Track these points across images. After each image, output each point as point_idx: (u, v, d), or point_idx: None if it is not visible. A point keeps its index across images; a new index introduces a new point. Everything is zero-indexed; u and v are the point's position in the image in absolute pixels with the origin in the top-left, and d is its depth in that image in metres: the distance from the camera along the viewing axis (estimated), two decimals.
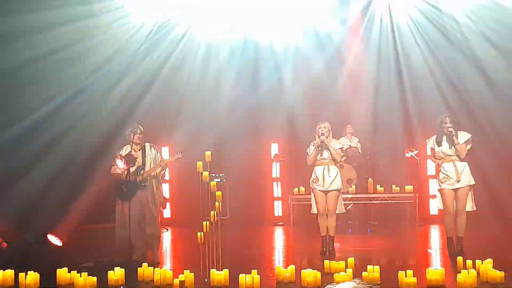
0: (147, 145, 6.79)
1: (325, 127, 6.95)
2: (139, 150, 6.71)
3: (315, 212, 7.11)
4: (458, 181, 6.52)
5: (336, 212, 7.09)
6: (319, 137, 6.97)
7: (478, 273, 5.19)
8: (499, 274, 5.12)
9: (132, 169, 6.47)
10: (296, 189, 10.45)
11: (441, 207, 6.78)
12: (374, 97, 11.05)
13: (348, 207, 10.19)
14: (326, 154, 6.96)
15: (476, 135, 6.65)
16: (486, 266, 5.30)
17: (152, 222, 6.61)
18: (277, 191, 10.92)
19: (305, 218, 9.76)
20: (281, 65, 11.25)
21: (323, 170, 6.94)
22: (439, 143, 6.67)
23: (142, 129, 6.74)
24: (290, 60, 11.27)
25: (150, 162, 6.67)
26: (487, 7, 9.99)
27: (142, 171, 6.55)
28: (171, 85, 11.14)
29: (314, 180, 6.99)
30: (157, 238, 6.73)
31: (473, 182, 6.58)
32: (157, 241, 6.74)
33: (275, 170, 11.00)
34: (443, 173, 6.61)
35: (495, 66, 10.25)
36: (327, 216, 6.98)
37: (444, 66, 10.78)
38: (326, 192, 6.95)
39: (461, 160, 6.59)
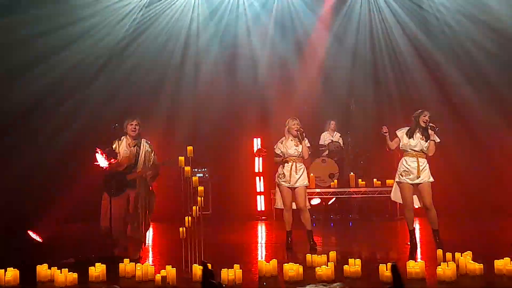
0: (143, 141, 6.66)
1: (298, 124, 7.03)
2: (134, 146, 6.59)
3: (280, 206, 7.19)
4: (418, 177, 6.63)
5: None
6: (290, 133, 7.01)
7: (457, 266, 5.27)
8: (478, 267, 5.20)
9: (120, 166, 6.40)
10: None
11: (396, 199, 6.95)
12: (353, 92, 11.16)
13: (313, 202, 10.28)
14: (293, 151, 6.99)
15: (451, 131, 6.71)
16: (466, 259, 5.38)
17: (136, 225, 6.52)
18: (259, 185, 10.93)
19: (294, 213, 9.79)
20: (262, 60, 11.30)
21: (291, 166, 6.98)
22: (410, 136, 6.71)
23: (139, 122, 6.61)
24: (270, 55, 11.33)
25: (143, 161, 6.56)
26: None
27: (133, 170, 6.46)
28: (152, 79, 11.10)
29: (281, 176, 7.05)
30: (139, 236, 6.65)
31: (432, 179, 6.71)
32: (140, 238, 6.67)
33: (258, 164, 11.00)
34: (405, 166, 6.70)
35: (477, 64, 10.44)
36: (300, 212, 7.04)
37: (424, 60, 10.93)
38: (292, 188, 6.98)
39: (424, 157, 6.67)
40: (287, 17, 11.31)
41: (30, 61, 9.44)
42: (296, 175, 6.99)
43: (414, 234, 6.82)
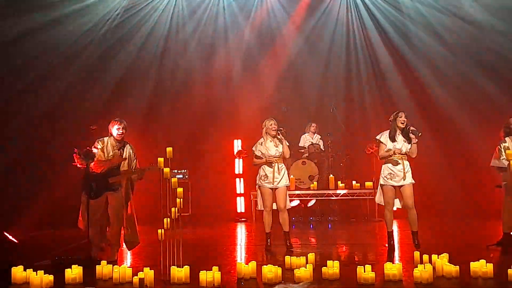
0: (128, 146, 6.56)
1: (275, 124, 7.04)
2: (119, 148, 6.48)
3: (261, 208, 7.16)
4: (403, 179, 6.65)
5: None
6: (268, 134, 7.03)
7: (434, 268, 5.33)
8: (454, 269, 5.26)
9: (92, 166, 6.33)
10: None
11: (379, 202, 6.98)
12: (335, 95, 11.25)
13: (293, 204, 10.31)
14: (274, 151, 7.00)
15: (429, 134, 6.79)
16: (442, 261, 5.44)
17: (131, 229, 6.45)
18: (239, 187, 10.92)
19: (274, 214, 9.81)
20: (243, 61, 11.33)
21: (273, 168, 6.97)
22: (392, 139, 6.72)
23: (125, 125, 6.50)
24: (252, 56, 11.36)
25: (126, 165, 6.47)
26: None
27: (115, 173, 6.37)
28: (131, 80, 11.06)
29: (263, 178, 7.03)
30: (117, 237, 6.57)
31: (413, 181, 6.74)
32: (118, 239, 6.59)
33: (238, 166, 10.99)
34: (390, 169, 6.70)
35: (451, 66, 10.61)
36: (279, 213, 7.03)
37: (403, 64, 11.08)
38: (274, 189, 7.00)
39: (407, 159, 6.72)
40: (266, 23, 11.37)
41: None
42: (279, 176, 6.99)
43: (393, 236, 6.89)
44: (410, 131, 6.63)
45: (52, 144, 9.78)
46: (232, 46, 11.39)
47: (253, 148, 7.20)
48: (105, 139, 6.48)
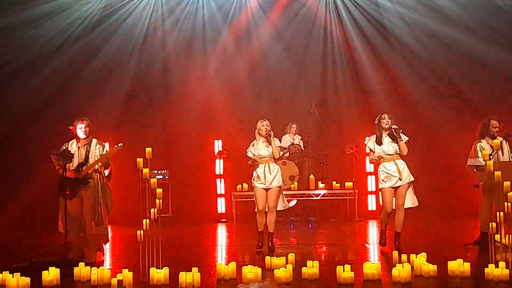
0: (94, 141, 6.53)
1: (267, 125, 7.03)
2: (84, 145, 6.46)
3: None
4: (400, 179, 6.64)
5: (280, 209, 7.16)
6: (260, 134, 7.03)
7: (412, 267, 5.38)
8: (432, 268, 5.31)
9: (71, 166, 6.26)
10: (239, 186, 10.49)
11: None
12: (315, 96, 11.30)
13: (292, 204, 10.34)
14: (264, 151, 7.01)
15: (408, 134, 6.85)
16: (420, 260, 5.49)
17: (99, 221, 6.38)
18: (220, 187, 10.90)
19: (248, 215, 9.82)
20: (224, 62, 11.33)
21: (264, 168, 6.98)
22: (379, 142, 6.75)
23: (89, 123, 6.48)
24: (233, 56, 11.36)
25: (94, 159, 6.44)
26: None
27: (84, 167, 6.34)
28: (112, 79, 10.97)
29: (256, 178, 7.02)
30: (97, 238, 6.50)
31: (412, 178, 6.72)
32: (96, 239, 6.52)
33: (219, 166, 10.97)
34: (385, 172, 6.68)
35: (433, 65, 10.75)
36: (268, 213, 7.03)
37: (381, 64, 11.19)
38: (267, 189, 7.00)
39: (400, 158, 6.76)
40: (244, 22, 11.42)
41: None
42: (271, 176, 6.96)
43: (385, 234, 6.87)
44: (393, 129, 6.68)
45: (28, 144, 9.66)
46: (210, 45, 11.38)
47: (247, 151, 7.18)
48: (69, 142, 6.45)
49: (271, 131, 6.99)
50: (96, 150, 6.47)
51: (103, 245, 6.73)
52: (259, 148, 7.03)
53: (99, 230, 6.41)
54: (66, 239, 6.05)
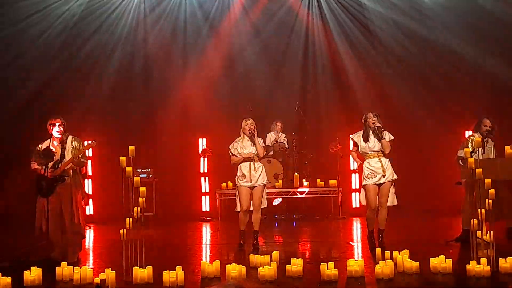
0: (70, 138, 6.48)
1: (252, 123, 7.03)
2: (60, 143, 6.40)
3: (240, 209, 7.15)
4: (383, 176, 6.69)
5: (262, 206, 7.17)
6: (244, 133, 7.03)
7: (395, 264, 5.42)
8: (414, 264, 5.37)
9: (50, 165, 6.20)
10: (223, 184, 10.45)
11: (363, 202, 6.96)
12: (299, 94, 11.33)
13: (276, 202, 10.36)
14: (250, 150, 7.01)
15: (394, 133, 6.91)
16: (403, 257, 5.54)
17: (72, 219, 6.32)
18: (204, 186, 10.87)
19: (232, 213, 9.80)
20: (207, 60, 11.31)
21: (249, 166, 6.99)
22: (365, 139, 6.80)
23: (62, 122, 6.44)
24: (219, 55, 11.35)
25: (71, 155, 6.38)
26: None
27: (60, 164, 6.28)
28: (97, 80, 10.91)
29: (240, 177, 7.02)
30: (76, 236, 6.43)
31: (396, 176, 6.77)
32: (77, 238, 6.45)
33: (203, 165, 10.94)
34: (369, 168, 6.72)
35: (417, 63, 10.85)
36: (252, 211, 7.04)
37: (367, 62, 11.27)
38: (252, 187, 7.00)
39: (384, 156, 6.81)
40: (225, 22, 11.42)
41: None
42: (256, 174, 6.97)
43: (373, 235, 6.88)
44: (376, 128, 6.73)
45: (9, 143, 9.54)
46: (192, 43, 11.36)
47: (230, 147, 7.16)
48: (48, 140, 6.39)
49: (255, 130, 7.00)
50: (72, 146, 6.41)
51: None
52: (244, 146, 7.04)
53: (74, 228, 6.33)
54: (48, 238, 6.00)
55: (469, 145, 7.00)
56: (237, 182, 7.07)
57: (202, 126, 10.96)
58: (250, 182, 6.97)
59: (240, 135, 7.14)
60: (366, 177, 6.76)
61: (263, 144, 7.18)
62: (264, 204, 7.21)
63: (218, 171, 10.71)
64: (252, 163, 7.00)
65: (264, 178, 7.06)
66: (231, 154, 7.14)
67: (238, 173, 7.05)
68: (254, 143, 7.00)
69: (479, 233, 5.60)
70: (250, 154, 7.01)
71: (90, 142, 6.45)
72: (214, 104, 11.08)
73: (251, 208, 7.11)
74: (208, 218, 10.48)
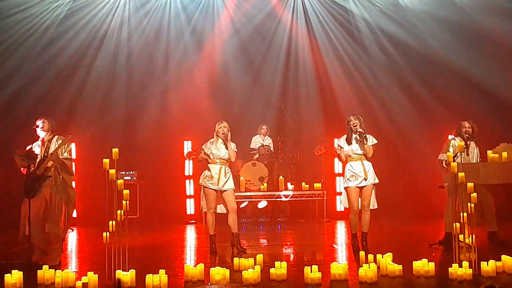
0: (55, 137, 6.41)
1: (225, 127, 7.03)
2: (45, 143, 6.34)
3: (206, 210, 7.14)
4: (365, 179, 6.74)
5: (225, 211, 7.16)
6: (218, 136, 7.04)
7: (378, 267, 5.45)
8: (397, 268, 5.40)
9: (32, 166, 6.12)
10: None
11: (346, 205, 7.00)
12: (285, 97, 11.37)
13: (262, 205, 10.36)
14: (224, 153, 7.01)
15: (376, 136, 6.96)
16: (386, 260, 5.57)
17: (54, 220, 6.23)
18: (189, 188, 10.83)
19: (217, 216, 9.77)
20: (194, 62, 11.29)
21: (219, 169, 6.98)
22: (349, 142, 6.84)
23: (48, 123, 6.38)
24: (201, 57, 11.34)
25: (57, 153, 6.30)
26: None
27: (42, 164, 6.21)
28: (81, 81, 10.82)
29: (208, 178, 6.99)
30: (57, 238, 6.34)
31: (377, 180, 6.84)
32: (58, 241, 6.36)
33: (188, 167, 10.91)
34: (351, 171, 6.78)
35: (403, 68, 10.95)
36: (228, 215, 7.04)
37: (352, 67, 11.34)
38: (219, 191, 7.00)
39: (367, 159, 6.86)
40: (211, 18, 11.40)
41: None
42: (225, 178, 6.98)
43: (357, 238, 6.90)
44: (358, 134, 6.78)
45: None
46: (179, 45, 11.35)
47: (203, 146, 7.15)
48: (34, 143, 6.36)
49: (228, 134, 6.98)
50: (55, 145, 6.34)
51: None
52: (218, 149, 7.03)
53: (53, 229, 6.22)
54: (29, 241, 5.92)
55: (450, 149, 7.09)
56: (203, 182, 7.05)
57: (187, 129, 10.91)
58: (217, 185, 6.97)
59: (213, 136, 7.13)
60: (348, 179, 6.82)
61: (236, 150, 7.16)
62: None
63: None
64: (223, 166, 7.01)
65: (231, 183, 7.07)
66: (203, 152, 7.11)
67: (206, 173, 7.03)
68: (226, 147, 7.00)
69: (461, 237, 5.65)
70: (218, 161, 6.99)
71: (64, 138, 6.37)
72: (199, 107, 11.06)
73: (219, 211, 7.11)
74: (192, 221, 10.45)
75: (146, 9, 11.29)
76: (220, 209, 7.15)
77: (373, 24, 11.20)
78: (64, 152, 6.35)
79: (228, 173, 7.05)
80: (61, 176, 6.33)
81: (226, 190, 6.99)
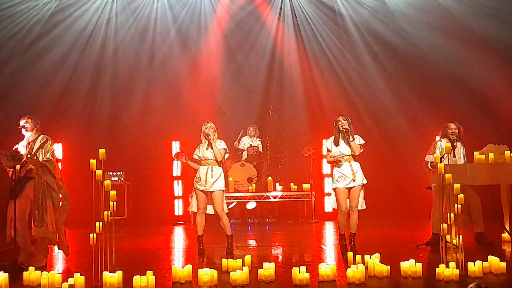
0: (40, 138, 6.32)
1: (211, 127, 7.02)
2: (30, 143, 6.26)
3: (193, 210, 7.14)
4: (353, 180, 6.76)
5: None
6: (204, 136, 7.02)
7: (366, 268, 5.46)
8: (385, 268, 5.41)
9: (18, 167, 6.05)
10: None
11: (334, 206, 7.02)
12: (273, 98, 11.37)
13: (251, 206, 10.35)
14: (209, 154, 6.99)
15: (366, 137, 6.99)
16: (374, 261, 5.58)
17: (39, 223, 6.15)
18: (177, 189, 10.80)
19: (207, 217, 9.76)
20: (181, 62, 11.26)
21: (207, 170, 6.96)
22: (336, 143, 6.86)
23: (32, 122, 6.29)
24: (192, 58, 11.32)
25: (38, 154, 6.22)
26: None
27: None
28: (69, 79, 10.75)
29: (197, 180, 7.01)
30: (43, 240, 6.27)
31: (365, 181, 6.86)
32: (44, 242, 6.29)
33: (176, 168, 10.87)
34: (339, 172, 6.80)
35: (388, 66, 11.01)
36: (219, 217, 7.02)
37: (339, 69, 11.38)
38: (208, 192, 6.98)
39: (355, 159, 6.87)
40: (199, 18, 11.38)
41: None
42: (212, 179, 6.95)
43: (345, 238, 6.91)
44: (344, 131, 6.79)
45: None
46: (165, 45, 11.31)
47: (193, 154, 7.16)
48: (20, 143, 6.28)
49: (212, 134, 6.96)
50: (39, 144, 6.25)
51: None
52: (204, 150, 7.02)
53: (39, 232, 6.15)
54: (15, 243, 5.86)
55: (437, 150, 7.13)
56: (194, 184, 7.08)
57: (175, 129, 10.89)
58: (205, 186, 6.95)
59: (200, 139, 7.13)
60: (336, 180, 6.84)
61: (225, 147, 7.12)
62: (225, 209, 7.17)
63: (191, 174, 10.60)
64: (210, 167, 6.98)
65: (221, 184, 7.02)
66: (193, 159, 7.14)
67: (196, 175, 7.06)
68: (211, 147, 6.98)
69: (448, 237, 5.68)
70: (205, 163, 6.98)
71: (46, 139, 6.28)
72: (188, 107, 11.03)
73: (208, 212, 7.10)
74: (180, 222, 10.42)
75: (132, 8, 11.24)
76: (209, 210, 7.13)
77: (360, 25, 11.24)
78: (47, 153, 6.26)
79: (216, 174, 6.99)
80: (43, 179, 6.24)
81: (214, 191, 6.97)
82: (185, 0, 11.39)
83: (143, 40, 11.25)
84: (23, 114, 6.46)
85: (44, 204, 6.14)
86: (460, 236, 5.47)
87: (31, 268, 5.38)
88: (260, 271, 5.38)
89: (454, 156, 7.18)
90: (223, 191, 7.06)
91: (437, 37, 10.72)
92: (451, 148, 7.06)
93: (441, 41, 10.68)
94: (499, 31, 10.16)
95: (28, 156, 6.15)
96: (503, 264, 5.40)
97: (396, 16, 10.99)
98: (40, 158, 6.20)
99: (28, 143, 6.27)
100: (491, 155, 6.79)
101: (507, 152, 6.85)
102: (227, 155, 7.23)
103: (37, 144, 6.27)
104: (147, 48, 11.25)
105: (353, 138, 6.78)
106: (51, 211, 6.20)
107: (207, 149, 7.02)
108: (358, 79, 11.27)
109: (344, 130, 6.78)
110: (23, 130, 6.28)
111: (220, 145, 7.05)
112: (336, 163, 6.87)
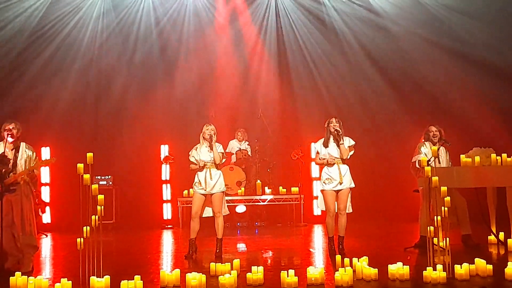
0: (23, 145, 6.26)
1: (212, 129, 7.00)
2: (12, 150, 6.19)
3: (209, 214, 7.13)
4: (341, 183, 6.78)
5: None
6: (204, 138, 7.00)
7: (354, 271, 5.48)
8: (373, 271, 5.43)
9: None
10: (185, 192, 10.38)
11: (322, 207, 7.04)
12: (262, 101, 11.39)
13: (241, 210, 10.34)
14: (207, 156, 6.98)
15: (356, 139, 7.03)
16: (362, 264, 5.60)
17: (25, 231, 6.10)
18: (166, 193, 10.76)
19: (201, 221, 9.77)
20: (171, 65, 11.25)
21: (205, 173, 6.95)
22: (325, 144, 6.88)
23: (17, 126, 6.23)
24: (180, 61, 11.30)
25: (24, 164, 6.17)
26: None
27: (11, 174, 6.05)
28: (56, 83, 10.70)
29: (196, 184, 7.00)
30: (30, 247, 6.22)
31: (353, 184, 6.89)
32: (31, 249, 6.24)
33: (165, 172, 10.84)
34: (327, 174, 6.83)
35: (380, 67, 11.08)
36: (215, 218, 7.01)
37: (330, 70, 11.43)
38: (208, 194, 6.97)
39: (343, 162, 6.90)
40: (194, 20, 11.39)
41: None
42: (212, 181, 6.92)
43: (333, 241, 6.93)
44: (335, 133, 6.82)
45: None
46: (156, 48, 11.29)
47: (189, 153, 7.11)
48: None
49: (214, 136, 6.96)
50: (25, 155, 6.21)
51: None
52: (201, 153, 7.00)
53: (24, 238, 6.10)
54: (2, 248, 5.80)
55: (422, 149, 7.18)
56: (193, 188, 7.05)
57: (163, 133, 10.87)
58: (205, 190, 6.95)
59: (199, 141, 7.09)
60: (323, 182, 6.86)
61: (222, 151, 7.13)
62: (226, 212, 7.17)
63: (179, 178, 10.62)
64: (208, 170, 6.97)
65: (221, 186, 7.02)
66: (190, 161, 7.10)
67: (195, 180, 7.03)
68: (211, 149, 6.97)
69: (435, 240, 5.72)
70: (204, 166, 6.97)
71: (49, 158, 6.25)
72: (176, 111, 11.02)
73: (206, 214, 7.08)
74: (169, 226, 10.38)
75: (120, 8, 11.23)
76: (208, 212, 7.10)
77: (346, 27, 11.30)
78: (35, 168, 6.22)
79: (215, 176, 6.96)
80: (29, 186, 6.20)
81: (214, 193, 6.95)
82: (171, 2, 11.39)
83: (130, 44, 11.20)
84: (7, 118, 6.39)
85: (27, 210, 6.09)
86: (447, 238, 5.51)
87: (18, 273, 5.33)
88: (248, 275, 5.38)
89: (439, 162, 7.22)
90: (223, 192, 7.05)
91: (421, 38, 10.83)
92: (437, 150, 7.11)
93: (425, 43, 10.78)
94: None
95: (14, 162, 6.08)
96: (490, 267, 5.44)
97: (384, 17, 11.06)
98: (26, 167, 6.15)
99: (12, 150, 6.19)
100: (477, 158, 6.85)
101: (493, 155, 6.92)
102: (224, 159, 7.23)
103: (22, 152, 6.19)
104: (135, 53, 11.21)
105: (343, 141, 6.81)
106: (33, 218, 6.16)
107: (209, 151, 6.97)
108: (345, 83, 11.33)
109: (335, 131, 6.80)
110: (7, 135, 6.19)
111: (219, 148, 7.05)
112: (326, 165, 6.90)
